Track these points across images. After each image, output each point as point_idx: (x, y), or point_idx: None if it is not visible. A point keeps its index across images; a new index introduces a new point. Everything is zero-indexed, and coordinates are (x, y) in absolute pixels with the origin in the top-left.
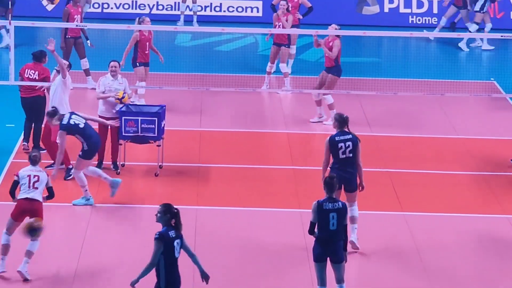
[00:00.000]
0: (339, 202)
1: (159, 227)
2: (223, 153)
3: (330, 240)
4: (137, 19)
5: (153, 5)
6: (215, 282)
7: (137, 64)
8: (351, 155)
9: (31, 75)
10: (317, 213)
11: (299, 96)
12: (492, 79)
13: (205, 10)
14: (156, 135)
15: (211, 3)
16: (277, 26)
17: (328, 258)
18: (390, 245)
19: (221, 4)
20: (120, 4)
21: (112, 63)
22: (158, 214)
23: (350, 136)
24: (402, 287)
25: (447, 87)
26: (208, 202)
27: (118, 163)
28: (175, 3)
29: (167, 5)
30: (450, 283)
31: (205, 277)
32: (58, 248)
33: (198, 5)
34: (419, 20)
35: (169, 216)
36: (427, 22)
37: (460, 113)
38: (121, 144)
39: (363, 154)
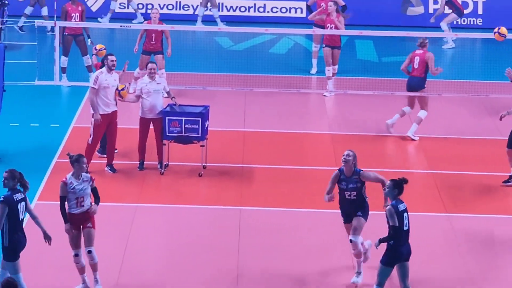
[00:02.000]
0: (403, 203)
1: (206, 227)
2: (267, 154)
3: (406, 241)
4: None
5: (197, 5)
6: (259, 282)
7: (142, 51)
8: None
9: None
10: (397, 217)
11: (343, 97)
12: None
13: (248, 11)
14: (199, 135)
15: (254, 4)
16: (328, 28)
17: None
18: (434, 247)
19: (264, 5)
20: (164, 4)
21: (150, 65)
22: (5, 180)
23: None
24: None
25: (492, 88)
26: (252, 202)
27: (163, 163)
28: (218, 3)
29: (210, 6)
30: (495, 285)
31: (47, 238)
32: (102, 249)
33: (242, 6)
34: (463, 20)
35: (16, 180)
36: (471, 23)
37: None
38: (164, 144)
39: (408, 155)
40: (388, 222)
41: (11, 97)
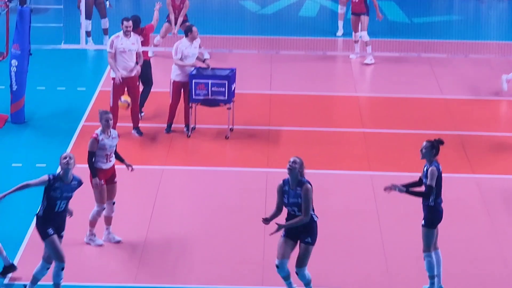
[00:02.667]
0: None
1: (232, 189)
2: (293, 116)
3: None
4: None
5: None
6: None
7: (166, 19)
8: None
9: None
10: (438, 178)
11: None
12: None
13: None
14: (226, 98)
15: None
16: None
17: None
18: (460, 207)
19: None
20: None
21: (193, 28)
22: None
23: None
24: (473, 249)
25: None
26: (278, 164)
27: (190, 126)
28: None
29: None
30: None
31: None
32: (128, 211)
33: None
34: None
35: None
36: None
37: None
38: (191, 107)
39: (434, 116)
40: (425, 183)
41: (37, 61)
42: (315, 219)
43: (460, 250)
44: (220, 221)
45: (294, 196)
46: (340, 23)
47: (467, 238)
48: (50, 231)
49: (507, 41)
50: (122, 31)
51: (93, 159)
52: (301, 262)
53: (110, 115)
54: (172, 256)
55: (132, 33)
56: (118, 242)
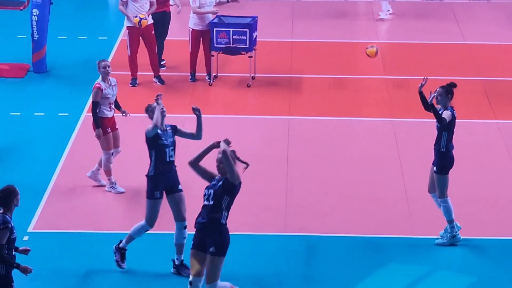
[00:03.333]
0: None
1: (255, 136)
2: (315, 63)
3: (453, 148)
4: None
5: None
6: (308, 191)
7: None
8: None
9: None
10: (452, 120)
11: (391, 4)
12: None
13: None
14: (247, 46)
15: None
16: None
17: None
18: (483, 153)
19: None
20: None
21: None
22: None
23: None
24: (496, 193)
25: None
26: (300, 112)
27: (212, 74)
28: None
29: None
30: None
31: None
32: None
33: None
34: None
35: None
36: None
37: None
38: (213, 55)
39: (456, 62)
40: (437, 126)
41: (58, 10)
42: (222, 222)
43: (484, 194)
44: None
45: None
46: None
47: (491, 182)
48: (157, 194)
49: None
50: None
51: (97, 109)
52: (208, 277)
53: (108, 63)
54: (193, 204)
55: None
56: (122, 192)
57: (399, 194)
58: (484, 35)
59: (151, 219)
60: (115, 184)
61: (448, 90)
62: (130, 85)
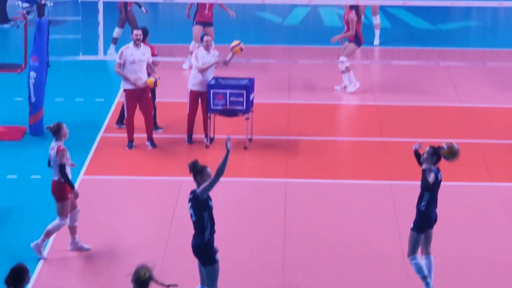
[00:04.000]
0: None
1: (251, 199)
2: (312, 126)
3: (435, 208)
4: None
5: None
6: (305, 253)
7: (194, 22)
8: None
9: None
10: (435, 182)
11: (387, 67)
12: None
13: None
14: (244, 108)
15: None
16: None
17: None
18: (480, 215)
19: None
20: None
21: (205, 38)
22: None
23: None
24: (494, 257)
25: None
26: (297, 174)
27: (209, 136)
28: None
29: None
30: None
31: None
32: (145, 223)
33: None
34: None
35: None
36: None
37: None
38: (209, 117)
39: (452, 124)
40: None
41: (56, 72)
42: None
43: (481, 257)
44: (239, 231)
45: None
46: (377, 32)
47: (488, 246)
48: (217, 257)
49: None
50: (132, 41)
51: (66, 171)
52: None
53: (64, 126)
54: (193, 265)
55: (142, 43)
56: (87, 250)
57: (396, 257)
58: (481, 98)
59: (216, 283)
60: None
61: (435, 151)
62: (127, 147)
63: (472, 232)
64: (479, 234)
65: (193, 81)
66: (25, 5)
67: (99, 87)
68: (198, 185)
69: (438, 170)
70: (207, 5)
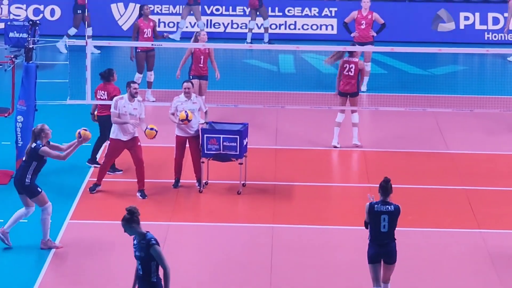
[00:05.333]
0: (392, 205)
1: (238, 245)
2: (299, 171)
3: (382, 242)
4: (195, 33)
5: (228, 23)
6: None
7: (190, 76)
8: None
9: (102, 96)
10: (369, 214)
11: (374, 113)
12: None
13: (279, 28)
14: (238, 153)
15: (285, 21)
16: (362, 24)
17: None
18: (467, 263)
19: (295, 22)
20: (195, 23)
21: (185, 84)
22: None
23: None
24: None
25: None
26: (285, 220)
27: (201, 181)
28: (249, 21)
29: (241, 24)
30: None
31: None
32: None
33: (272, 23)
34: (495, 36)
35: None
36: (503, 38)
37: None
38: (203, 162)
39: (440, 171)
40: None
41: (43, 117)
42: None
43: None
44: (226, 277)
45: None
46: (366, 79)
47: None
48: None
49: (510, 96)
50: (127, 94)
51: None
52: None
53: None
54: None
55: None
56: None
57: None
58: (467, 144)
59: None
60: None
61: (379, 186)
62: (90, 190)
63: (458, 279)
64: (465, 281)
65: (178, 127)
66: (13, 49)
67: (94, 132)
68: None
69: (380, 203)
70: (202, 59)
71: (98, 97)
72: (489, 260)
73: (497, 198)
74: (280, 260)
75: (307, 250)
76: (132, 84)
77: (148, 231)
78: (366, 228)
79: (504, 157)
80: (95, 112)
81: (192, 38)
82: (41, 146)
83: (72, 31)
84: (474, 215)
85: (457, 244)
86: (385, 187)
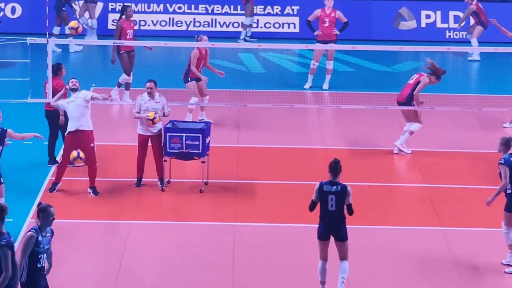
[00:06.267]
0: (339, 186)
1: (200, 243)
2: (262, 170)
3: (331, 220)
4: (196, 36)
5: (190, 22)
6: None
7: (189, 79)
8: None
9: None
10: (318, 193)
11: (336, 111)
12: None
13: (242, 27)
14: (200, 151)
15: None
16: (326, 22)
17: (332, 237)
18: (428, 260)
19: (258, 20)
20: (158, 21)
21: (148, 84)
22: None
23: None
24: None
25: (485, 101)
26: (246, 218)
27: (164, 179)
28: (212, 20)
29: (204, 22)
30: None
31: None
32: (95, 266)
33: (235, 22)
34: (456, 34)
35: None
36: (464, 37)
37: (498, 127)
38: (165, 161)
39: (401, 168)
40: None
41: (3, 115)
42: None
43: None
44: (187, 276)
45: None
46: (310, 77)
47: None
48: None
49: (471, 93)
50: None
51: None
52: None
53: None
54: None
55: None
56: None
57: None
58: (429, 142)
59: None
60: None
61: (330, 165)
62: (49, 191)
63: (419, 276)
64: (426, 279)
65: (140, 125)
66: None
67: (47, 130)
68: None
69: (328, 183)
70: (202, 63)
71: (46, 91)
72: (450, 257)
73: (458, 195)
74: (242, 258)
75: (269, 248)
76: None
77: (6, 232)
78: (310, 209)
79: (465, 154)
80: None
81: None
82: None
83: (56, 29)
84: (436, 213)
85: (418, 242)
86: (335, 168)
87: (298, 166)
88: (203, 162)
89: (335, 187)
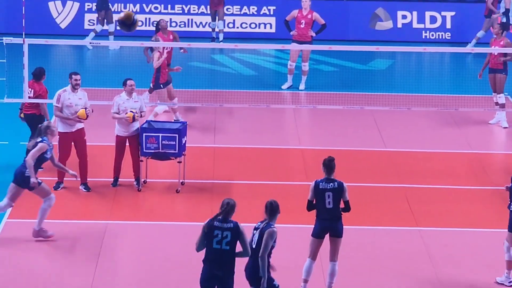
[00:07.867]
0: (336, 182)
1: (177, 243)
2: (238, 170)
3: (329, 218)
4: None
5: (166, 22)
6: None
7: (161, 86)
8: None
9: (29, 93)
10: (313, 192)
11: (313, 111)
12: (506, 93)
13: (217, 27)
14: (176, 151)
15: (224, 20)
16: (302, 24)
17: (327, 235)
18: (405, 261)
19: (234, 20)
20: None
21: (129, 81)
22: None
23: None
24: None
25: (461, 102)
26: None
27: (140, 179)
28: (188, 20)
29: (180, 22)
30: None
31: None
32: (72, 266)
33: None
34: (432, 35)
35: None
36: (440, 37)
37: (474, 128)
38: (142, 161)
39: (377, 169)
40: None
41: None
42: None
43: None
44: (164, 276)
45: None
46: (290, 77)
47: None
48: None
49: (447, 94)
50: (69, 86)
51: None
52: None
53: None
54: None
55: (80, 89)
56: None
57: None
58: (405, 142)
59: None
60: None
61: (323, 163)
62: (53, 189)
63: (396, 276)
64: (403, 279)
65: (117, 126)
66: None
67: (23, 130)
68: None
69: (324, 181)
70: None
71: (40, 93)
72: (427, 257)
73: (435, 196)
74: None
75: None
76: (73, 76)
77: None
78: (308, 209)
79: (441, 155)
80: (22, 110)
81: (153, 37)
82: (44, 141)
83: (99, 27)
84: (412, 213)
85: (395, 242)
86: (329, 165)
87: (274, 166)
88: (179, 162)
89: (331, 184)
